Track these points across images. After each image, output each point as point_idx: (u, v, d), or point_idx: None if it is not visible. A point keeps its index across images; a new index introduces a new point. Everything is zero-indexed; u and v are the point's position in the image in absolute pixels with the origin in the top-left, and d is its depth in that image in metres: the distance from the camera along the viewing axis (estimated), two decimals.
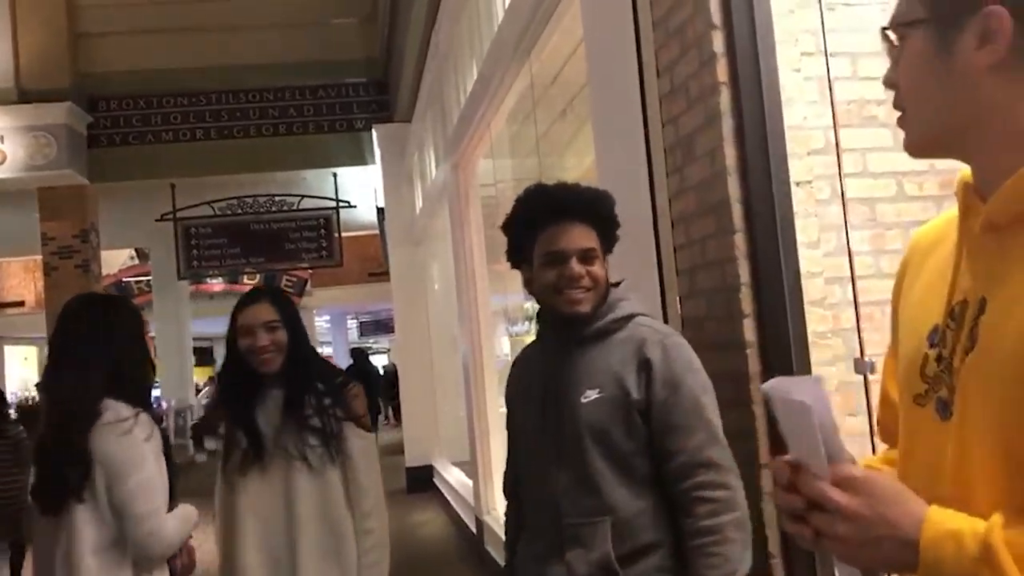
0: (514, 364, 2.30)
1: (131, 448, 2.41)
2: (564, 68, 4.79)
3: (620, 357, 2.00)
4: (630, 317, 2.06)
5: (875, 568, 0.96)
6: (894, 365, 1.16)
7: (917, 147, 1.05)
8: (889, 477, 0.99)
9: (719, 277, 2.41)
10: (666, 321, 2.67)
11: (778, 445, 0.99)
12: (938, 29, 0.97)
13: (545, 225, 2.08)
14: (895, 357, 1.16)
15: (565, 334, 2.09)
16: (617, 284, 2.13)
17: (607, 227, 2.10)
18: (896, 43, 1.03)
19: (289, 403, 2.66)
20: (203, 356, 24.31)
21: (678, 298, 2.69)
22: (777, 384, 0.99)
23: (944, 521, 0.90)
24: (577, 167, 4.89)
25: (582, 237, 2.06)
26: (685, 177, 2.60)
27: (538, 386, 2.13)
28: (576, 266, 2.04)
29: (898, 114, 1.06)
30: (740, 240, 2.31)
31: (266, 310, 2.68)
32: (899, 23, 1.02)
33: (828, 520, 0.94)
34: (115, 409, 2.44)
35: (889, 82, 1.05)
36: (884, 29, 1.04)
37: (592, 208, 2.09)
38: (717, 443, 1.95)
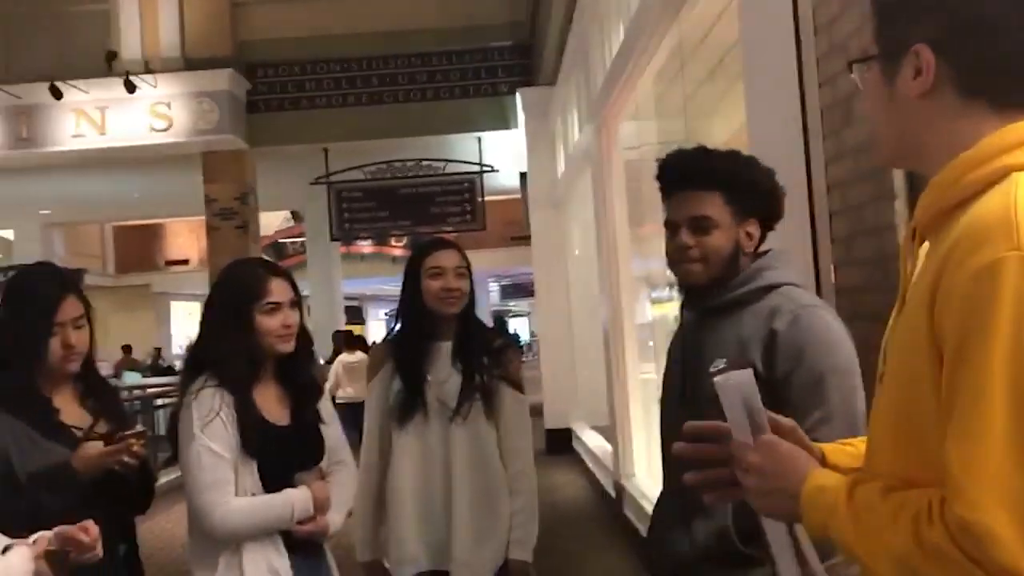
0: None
1: (184, 423, 2.30)
2: (714, 27, 4.64)
3: (751, 328, 1.89)
4: (772, 287, 1.92)
5: (776, 516, 1.23)
6: None
7: (883, 160, 1.33)
8: (793, 445, 1.22)
9: (877, 245, 2.30)
10: (818, 290, 2.58)
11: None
12: (884, 64, 1.18)
13: (670, 193, 2.01)
14: None
15: (698, 304, 2.02)
16: (765, 252, 2.01)
17: (741, 193, 1.95)
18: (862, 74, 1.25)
19: (458, 356, 2.73)
20: (353, 315, 25.22)
21: (832, 266, 2.58)
22: (723, 374, 1.27)
23: (818, 477, 1.14)
24: (726, 129, 4.76)
25: (697, 205, 1.93)
26: (842, 140, 2.48)
27: (678, 356, 2.10)
28: (684, 237, 1.94)
29: None
30: (900, 206, 2.19)
31: (456, 256, 2.78)
32: (857, 59, 1.24)
33: (743, 475, 1.21)
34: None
35: (861, 107, 1.29)
36: (850, 63, 1.25)
37: (713, 173, 1.95)
38: (829, 424, 1.74)
